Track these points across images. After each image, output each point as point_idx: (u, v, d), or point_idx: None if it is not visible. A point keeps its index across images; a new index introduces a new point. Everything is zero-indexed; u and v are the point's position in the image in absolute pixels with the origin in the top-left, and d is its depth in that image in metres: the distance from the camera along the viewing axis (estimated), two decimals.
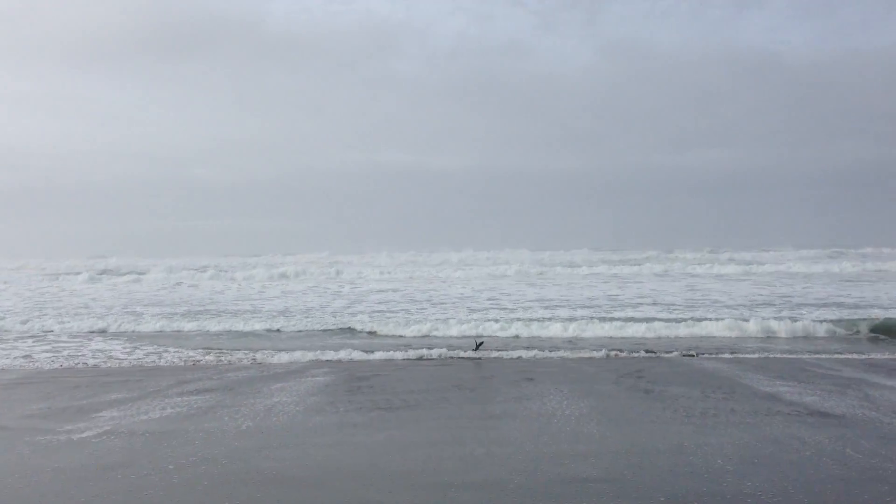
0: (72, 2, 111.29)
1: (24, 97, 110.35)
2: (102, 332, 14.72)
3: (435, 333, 13.81)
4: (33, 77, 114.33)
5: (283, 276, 33.78)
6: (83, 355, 11.65)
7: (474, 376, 9.51)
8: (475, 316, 15.70)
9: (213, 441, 6.19)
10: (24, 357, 11.47)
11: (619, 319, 14.89)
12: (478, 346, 11.62)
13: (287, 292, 24.82)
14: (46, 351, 12.03)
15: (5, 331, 14.29)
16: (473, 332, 13.54)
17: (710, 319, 14.49)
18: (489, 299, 20.68)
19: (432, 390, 8.50)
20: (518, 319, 14.82)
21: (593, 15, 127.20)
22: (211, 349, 12.08)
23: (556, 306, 18.30)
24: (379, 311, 17.61)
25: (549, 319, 14.86)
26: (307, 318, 16.13)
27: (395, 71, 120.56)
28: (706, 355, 11.21)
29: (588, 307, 17.98)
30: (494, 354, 11.31)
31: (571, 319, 14.75)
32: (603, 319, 14.85)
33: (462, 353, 11.39)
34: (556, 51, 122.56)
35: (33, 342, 13.22)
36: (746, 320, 14.20)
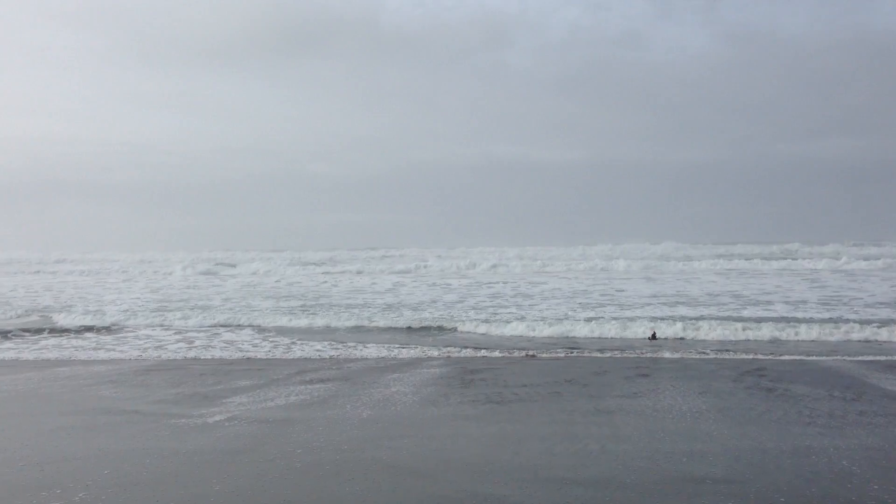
0: (200, 5, 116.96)
1: (154, 96, 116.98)
2: (226, 325, 15.41)
3: (538, 332, 13.70)
4: (162, 77, 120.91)
5: (395, 271, 34.37)
6: (210, 346, 12.26)
7: (586, 371, 9.40)
8: (590, 313, 15.38)
9: (333, 429, 6.38)
10: (156, 347, 12.16)
11: (747, 319, 14.15)
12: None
13: (398, 284, 25.25)
14: (174, 342, 12.70)
15: (135, 324, 15.17)
16: (586, 332, 13.37)
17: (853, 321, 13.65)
18: (602, 294, 20.35)
19: (544, 384, 8.46)
20: (638, 318, 14.33)
21: (713, 1, 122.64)
22: (327, 341, 12.45)
23: (676, 303, 17.67)
24: (489, 306, 17.64)
25: (669, 318, 14.26)
26: (416, 311, 16.34)
27: (506, 64, 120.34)
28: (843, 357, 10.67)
29: (711, 305, 17.21)
30: (608, 354, 11.15)
31: (696, 318, 14.10)
32: (728, 319, 14.17)
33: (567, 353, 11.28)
34: (673, 39, 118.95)
35: (162, 332, 14.02)
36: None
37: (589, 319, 13.81)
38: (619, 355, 10.87)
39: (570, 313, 14.69)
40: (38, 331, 14.29)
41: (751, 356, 10.70)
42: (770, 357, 10.61)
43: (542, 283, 25.56)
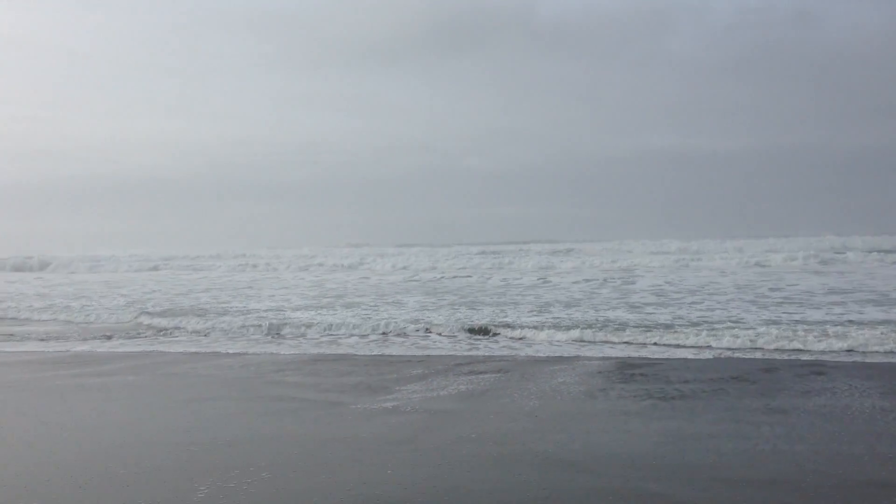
0: (360, 8, 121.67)
1: (316, 96, 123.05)
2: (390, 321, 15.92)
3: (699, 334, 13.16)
4: (323, 77, 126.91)
5: (545, 266, 34.22)
6: (372, 339, 12.72)
7: (754, 368, 8.99)
8: (765, 314, 14.42)
9: (492, 421, 6.49)
10: (328, 341, 12.76)
11: None
12: None
13: (545, 280, 25.11)
14: (340, 335, 13.25)
15: (297, 321, 15.95)
16: (774, 344, 12.72)
17: None
18: (772, 289, 19.29)
19: (708, 381, 8.18)
20: (828, 322, 12.75)
21: None
22: (479, 334, 12.57)
23: (865, 301, 15.89)
24: (645, 303, 17.18)
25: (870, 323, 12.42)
26: (570, 308, 16.14)
27: (667, 51, 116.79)
28: None
29: None
30: (773, 345, 10.57)
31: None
32: None
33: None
34: (847, 17, 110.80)
35: (322, 326, 14.67)
36: None
37: (769, 322, 12.68)
38: (787, 347, 10.29)
39: (743, 315, 13.84)
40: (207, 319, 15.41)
41: None
42: None
43: (705, 278, 24.63)
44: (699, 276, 24.86)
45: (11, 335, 13.64)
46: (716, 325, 12.35)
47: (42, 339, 13.06)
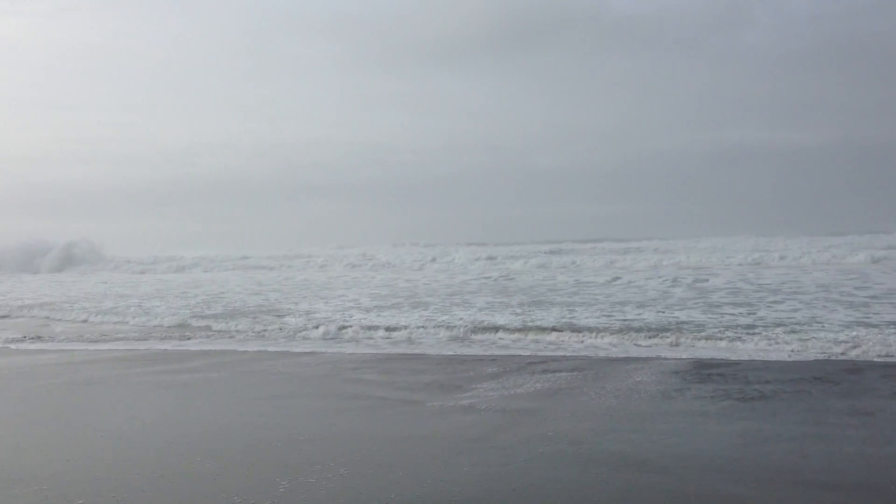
0: (429, 7, 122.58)
1: (386, 96, 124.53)
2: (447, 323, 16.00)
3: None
4: (393, 77, 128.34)
5: (617, 265, 33.80)
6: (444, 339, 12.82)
7: (837, 369, 8.72)
8: (851, 314, 13.84)
9: (567, 419, 6.48)
10: (399, 340, 12.90)
11: None
12: None
13: (617, 279, 24.76)
14: (406, 334, 13.37)
15: (368, 321, 16.14)
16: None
17: None
18: (857, 288, 18.59)
19: (789, 381, 7.97)
20: None
21: None
22: (551, 333, 12.50)
23: None
24: (722, 303, 16.80)
25: None
26: (644, 308, 15.91)
27: (743, 43, 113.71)
28: None
29: None
30: (860, 347, 10.21)
31: None
32: None
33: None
34: None
35: (394, 325, 14.84)
36: None
37: (855, 323, 12.17)
38: (874, 349, 9.93)
39: (826, 314, 13.36)
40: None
41: None
42: None
43: (785, 276, 23.95)
44: (778, 273, 24.17)
45: (104, 335, 14.25)
46: (797, 326, 12.01)
47: (121, 339, 13.61)
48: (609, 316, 14.27)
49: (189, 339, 13.39)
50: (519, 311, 15.79)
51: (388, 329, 13.41)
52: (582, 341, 11.56)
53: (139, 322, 16.04)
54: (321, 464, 5.29)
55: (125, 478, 5.10)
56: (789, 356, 9.77)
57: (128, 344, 12.87)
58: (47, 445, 6.06)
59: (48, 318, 17.61)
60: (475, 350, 11.17)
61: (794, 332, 11.37)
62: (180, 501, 4.59)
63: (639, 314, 14.28)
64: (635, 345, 11.13)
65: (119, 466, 5.40)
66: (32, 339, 13.73)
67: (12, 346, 12.85)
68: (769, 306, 14.95)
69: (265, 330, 14.04)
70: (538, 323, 13.34)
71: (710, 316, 13.79)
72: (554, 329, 12.71)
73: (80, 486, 4.95)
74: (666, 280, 22.90)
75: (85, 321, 16.70)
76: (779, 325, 12.15)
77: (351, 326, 13.79)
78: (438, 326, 13.46)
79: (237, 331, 14.17)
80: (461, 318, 14.40)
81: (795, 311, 14.03)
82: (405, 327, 13.52)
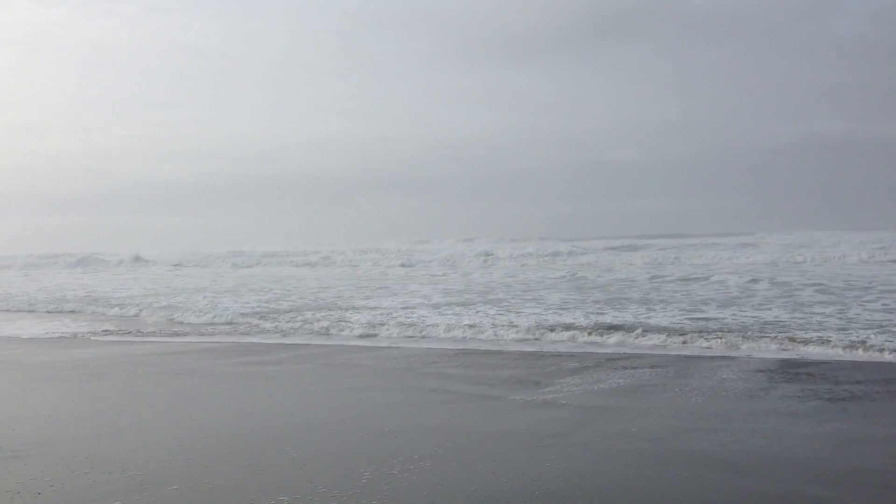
0: (509, 3, 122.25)
1: (465, 92, 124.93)
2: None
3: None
4: (472, 73, 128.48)
5: (700, 261, 33.05)
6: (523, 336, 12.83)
7: None
8: None
9: (650, 417, 6.42)
10: (476, 336, 12.97)
11: None
12: None
13: (699, 276, 24.19)
14: (483, 330, 13.43)
15: (445, 317, 16.24)
16: None
17: None
18: None
19: (881, 382, 7.70)
20: None
21: None
22: (628, 332, 12.35)
23: None
24: (810, 302, 16.23)
25: None
26: (726, 307, 15.43)
27: (831, 32, 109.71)
28: None
29: None
30: None
31: None
32: None
33: None
34: None
35: (470, 321, 14.92)
36: None
37: None
38: None
39: None
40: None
41: None
42: None
43: (878, 271, 23.00)
44: (870, 269, 23.24)
45: (182, 331, 14.78)
46: (890, 326, 11.53)
47: (203, 334, 14.11)
48: (688, 315, 14.01)
49: (269, 332, 13.78)
50: (594, 307, 15.67)
51: (464, 325, 13.49)
52: (661, 338, 11.35)
53: (225, 317, 16.52)
54: (403, 456, 5.39)
55: (215, 466, 5.31)
56: (878, 355, 9.41)
57: (213, 337, 13.34)
58: (141, 433, 6.35)
59: (138, 313, 18.43)
60: (550, 346, 11.15)
61: (884, 331, 10.92)
62: (268, 490, 4.75)
63: (720, 314, 13.93)
64: (716, 344, 10.86)
65: (209, 455, 5.62)
66: (128, 332, 14.41)
67: (111, 339, 13.54)
68: (862, 304, 14.40)
69: (342, 322, 14.31)
70: (613, 322, 13.20)
71: (796, 314, 13.38)
72: (631, 328, 12.55)
73: (172, 472, 5.17)
74: (751, 276, 22.24)
75: (171, 318, 17.33)
76: (870, 326, 11.69)
77: (426, 321, 13.94)
78: (514, 322, 13.48)
79: (317, 325, 14.46)
80: (536, 315, 14.37)
81: (891, 311, 13.45)
82: (480, 324, 13.57)
